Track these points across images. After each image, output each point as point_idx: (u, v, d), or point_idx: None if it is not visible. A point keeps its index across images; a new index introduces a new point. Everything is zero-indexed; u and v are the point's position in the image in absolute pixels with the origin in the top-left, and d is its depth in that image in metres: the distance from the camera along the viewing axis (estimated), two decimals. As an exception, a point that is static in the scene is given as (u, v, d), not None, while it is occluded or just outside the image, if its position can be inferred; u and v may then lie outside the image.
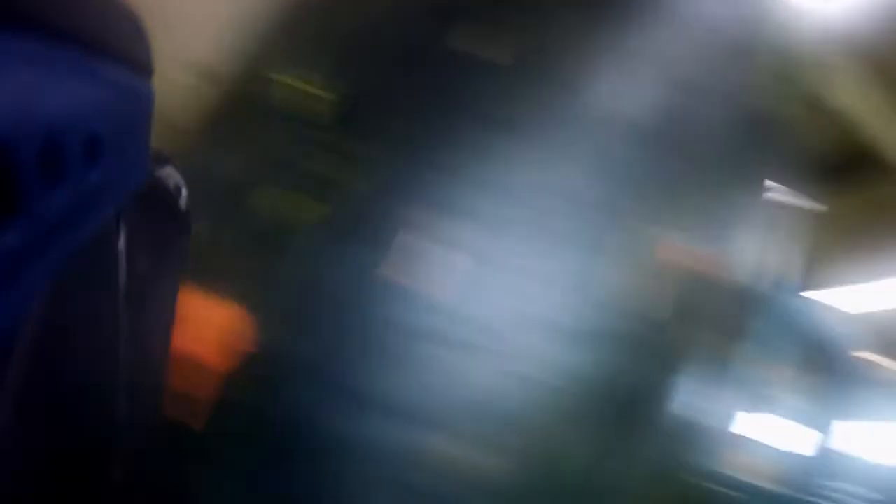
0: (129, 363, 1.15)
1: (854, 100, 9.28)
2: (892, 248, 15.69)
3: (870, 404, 16.88)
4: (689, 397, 1.97)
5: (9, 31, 0.70)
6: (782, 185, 10.09)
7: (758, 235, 1.87)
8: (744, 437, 10.97)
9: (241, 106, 2.79)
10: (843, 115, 9.32)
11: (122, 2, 0.95)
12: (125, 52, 0.94)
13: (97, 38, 0.86)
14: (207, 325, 2.25)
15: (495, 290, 2.42)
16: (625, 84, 2.33)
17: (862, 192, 13.39)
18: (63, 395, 0.99)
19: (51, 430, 0.98)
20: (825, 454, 11.64)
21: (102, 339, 1.09)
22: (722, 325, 1.86)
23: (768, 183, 1.99)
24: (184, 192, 1.34)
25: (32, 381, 0.90)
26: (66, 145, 0.79)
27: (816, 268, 17.20)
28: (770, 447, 16.05)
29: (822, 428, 11.67)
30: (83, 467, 1.08)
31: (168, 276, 1.35)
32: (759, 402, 10.92)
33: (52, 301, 0.89)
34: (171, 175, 1.30)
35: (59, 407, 0.98)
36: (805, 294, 11.78)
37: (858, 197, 13.70)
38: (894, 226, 14.14)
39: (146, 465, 1.33)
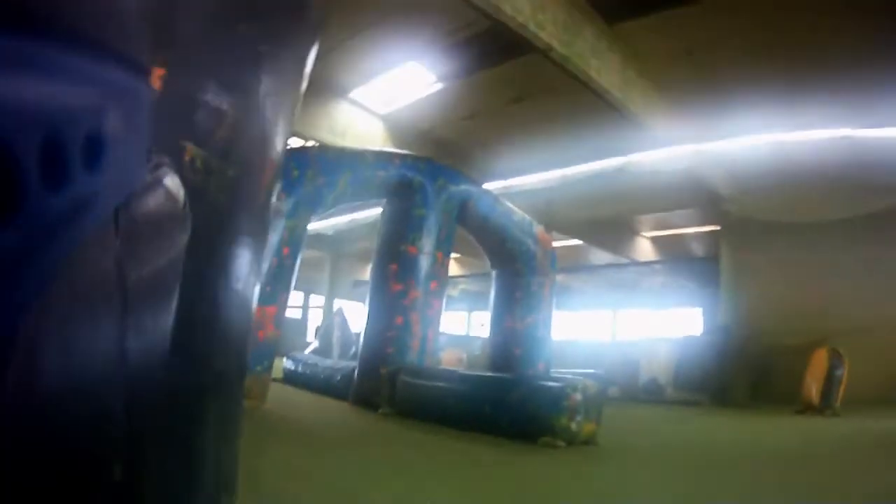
0: (128, 363, 1.15)
1: None
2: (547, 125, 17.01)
3: (563, 291, 18.02)
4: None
5: (9, 33, 0.78)
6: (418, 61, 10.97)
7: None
8: (440, 331, 11.63)
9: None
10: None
11: (121, 2, 1.01)
12: (124, 52, 0.97)
13: (96, 40, 0.91)
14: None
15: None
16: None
17: (512, 62, 14.09)
18: (62, 394, 0.98)
19: (50, 429, 0.97)
20: (530, 337, 12.14)
21: (101, 338, 1.08)
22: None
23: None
24: (182, 191, 1.31)
25: (32, 380, 0.92)
26: (65, 145, 0.84)
27: (486, 157, 17.97)
28: (469, 336, 17.26)
29: (518, 313, 12.17)
30: (83, 467, 1.07)
31: (166, 276, 1.31)
32: (445, 294, 11.55)
33: (51, 300, 0.92)
34: (168, 175, 1.26)
35: (58, 406, 0.97)
36: (480, 184, 12.14)
37: (511, 67, 14.36)
38: (545, 93, 15.21)
39: (146, 465, 1.30)
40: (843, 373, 13.51)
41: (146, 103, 1.06)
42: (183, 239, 1.35)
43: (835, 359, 13.64)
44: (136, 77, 1.03)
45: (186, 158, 1.44)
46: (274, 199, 1.93)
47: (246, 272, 1.70)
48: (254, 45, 1.58)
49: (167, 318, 1.33)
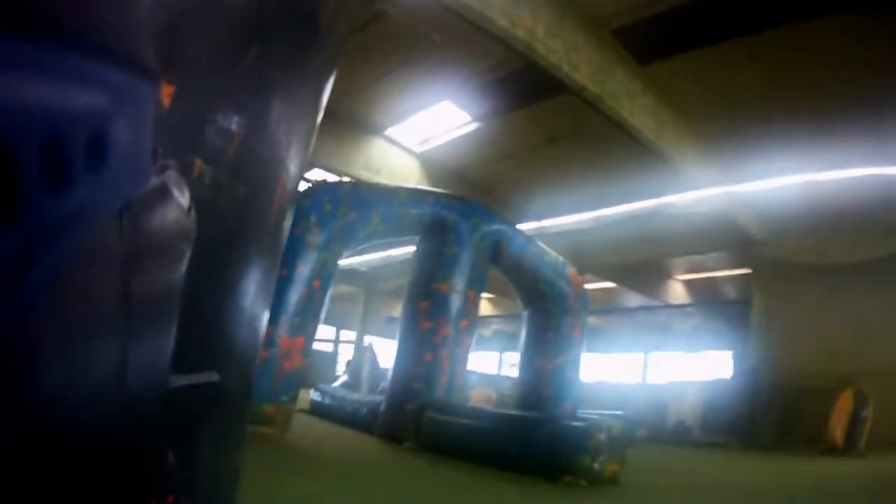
0: (130, 365, 1.15)
1: (520, 20, 10.01)
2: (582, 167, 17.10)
3: (595, 333, 18.01)
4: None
5: (12, 34, 0.77)
6: (450, 100, 11.20)
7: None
8: (471, 369, 11.54)
9: None
10: (512, 35, 10.01)
11: (126, 3, 1.00)
12: (128, 53, 0.96)
13: (100, 40, 0.90)
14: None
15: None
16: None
17: (546, 103, 14.21)
18: (63, 394, 0.97)
19: (51, 429, 0.96)
20: (559, 377, 12.05)
21: (103, 339, 1.07)
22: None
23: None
24: (187, 194, 1.30)
25: (34, 381, 0.91)
26: (67, 147, 0.84)
27: (522, 199, 18.05)
28: (499, 376, 17.28)
29: (548, 353, 12.13)
30: (83, 467, 1.06)
31: (170, 278, 1.30)
32: (476, 334, 11.49)
33: (53, 302, 0.91)
34: (173, 177, 1.25)
35: (58, 406, 0.97)
36: (515, 225, 12.21)
37: (545, 108, 14.52)
38: (579, 130, 15.25)
39: (146, 463, 1.31)
40: (868, 414, 13.35)
41: (151, 104, 1.04)
42: (188, 241, 1.34)
43: (860, 400, 13.49)
44: (141, 78, 1.01)
45: (195, 174, 1.46)
46: (287, 222, 1.93)
47: (254, 290, 1.70)
48: (265, 69, 1.59)
49: (171, 320, 1.33)
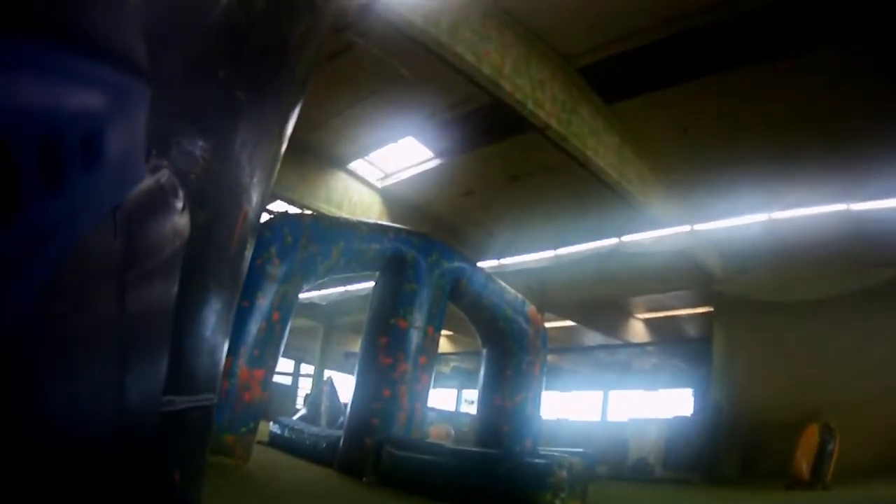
0: (127, 362, 1.15)
1: (487, 56, 10.12)
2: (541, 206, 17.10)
3: (555, 371, 18.14)
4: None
5: (8, 34, 0.78)
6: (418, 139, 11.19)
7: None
8: (429, 406, 11.48)
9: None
10: (479, 72, 10.11)
11: (119, 3, 0.99)
12: (121, 52, 0.97)
13: (94, 40, 0.91)
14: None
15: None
16: None
17: (509, 140, 14.22)
18: (61, 394, 0.97)
19: (49, 429, 0.96)
20: (519, 415, 11.97)
21: (99, 337, 1.07)
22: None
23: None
24: (180, 194, 1.30)
25: (31, 380, 0.91)
26: (64, 146, 0.84)
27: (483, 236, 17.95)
28: (458, 412, 17.21)
29: (507, 391, 12.03)
30: (83, 468, 1.05)
31: (165, 276, 1.29)
32: (434, 371, 11.48)
33: (49, 301, 0.91)
34: (167, 177, 1.25)
35: (57, 406, 0.97)
36: (474, 263, 12.03)
37: (508, 145, 14.52)
38: (539, 169, 15.31)
39: (144, 466, 1.30)
40: (835, 447, 13.41)
41: (145, 104, 1.06)
42: (182, 240, 1.34)
43: (826, 434, 13.55)
44: (134, 78, 1.02)
45: None
46: (248, 252, 1.89)
47: (214, 320, 1.66)
48: (232, 92, 1.56)
49: (166, 319, 1.33)
